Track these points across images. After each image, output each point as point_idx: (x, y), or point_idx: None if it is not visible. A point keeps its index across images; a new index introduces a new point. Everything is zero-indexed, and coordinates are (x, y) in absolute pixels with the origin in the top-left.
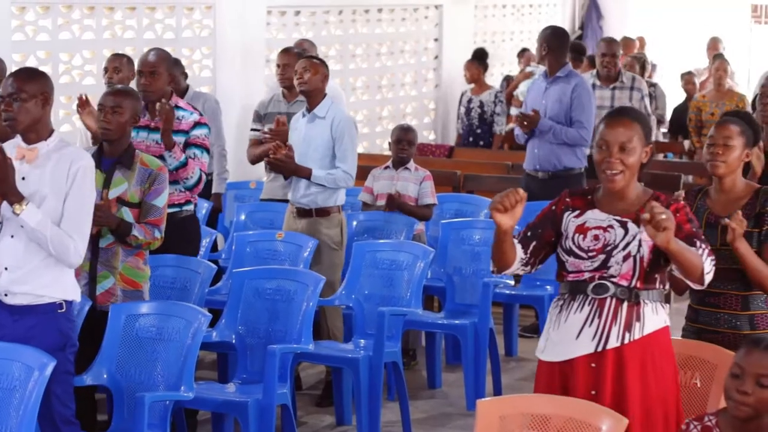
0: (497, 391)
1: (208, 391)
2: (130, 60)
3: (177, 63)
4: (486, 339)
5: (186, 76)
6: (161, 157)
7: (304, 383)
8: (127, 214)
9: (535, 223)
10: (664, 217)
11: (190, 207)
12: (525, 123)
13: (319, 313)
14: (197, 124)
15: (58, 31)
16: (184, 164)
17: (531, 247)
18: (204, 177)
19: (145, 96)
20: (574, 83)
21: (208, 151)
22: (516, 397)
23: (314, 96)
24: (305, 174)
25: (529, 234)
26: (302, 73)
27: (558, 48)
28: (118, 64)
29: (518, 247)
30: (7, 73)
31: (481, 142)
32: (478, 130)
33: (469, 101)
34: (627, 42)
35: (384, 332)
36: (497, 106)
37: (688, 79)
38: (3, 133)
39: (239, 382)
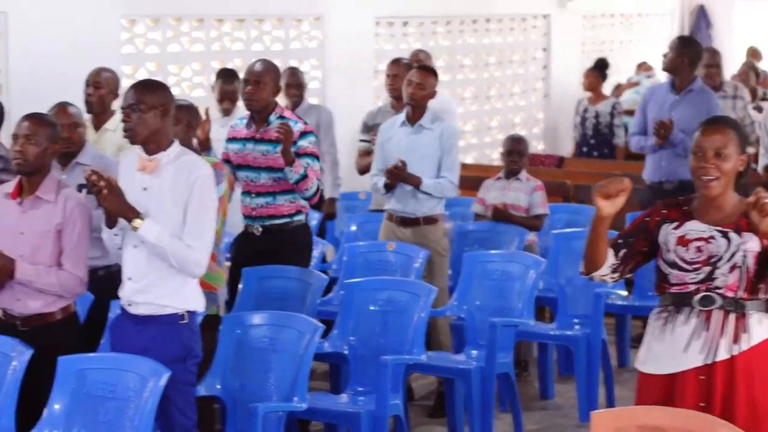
0: (610, 403)
1: (321, 402)
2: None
3: (294, 73)
4: (598, 350)
5: (305, 87)
6: (269, 169)
7: (416, 394)
8: None
9: (627, 232)
10: None
11: (301, 217)
12: (661, 132)
13: (428, 322)
14: (304, 133)
15: (167, 44)
16: (305, 176)
17: (621, 254)
18: (320, 185)
19: (249, 105)
20: (708, 97)
21: (317, 158)
22: (631, 408)
23: (423, 107)
24: (415, 183)
25: (620, 241)
26: (415, 84)
27: (695, 61)
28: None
29: (609, 252)
30: (119, 84)
31: (595, 153)
32: (592, 141)
33: (585, 111)
34: (753, 51)
35: (496, 343)
36: (615, 117)
37: None
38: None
39: (352, 392)
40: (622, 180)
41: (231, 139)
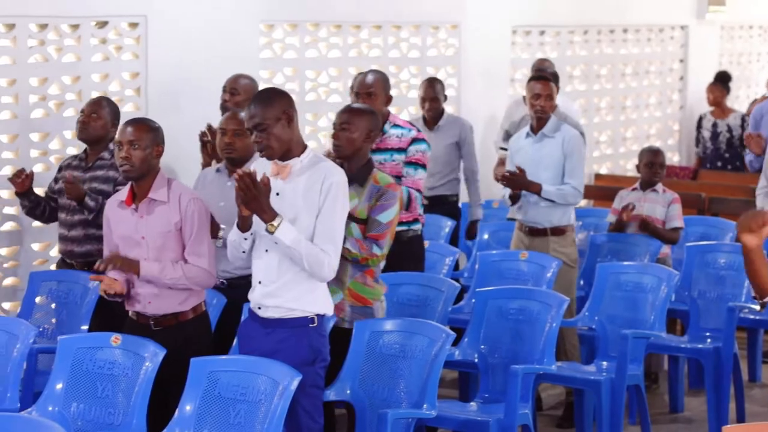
0: (740, 418)
1: (450, 410)
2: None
3: (431, 85)
4: (730, 364)
5: (445, 97)
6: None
7: (544, 404)
8: (355, 230)
9: None
10: None
11: (418, 226)
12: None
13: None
14: (415, 140)
15: (305, 49)
16: None
17: None
18: (415, 194)
19: None
20: None
21: (424, 167)
22: (763, 425)
23: (547, 117)
24: (536, 189)
25: None
26: (545, 96)
27: None
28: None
29: None
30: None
31: (729, 167)
32: (726, 155)
33: (714, 125)
34: None
35: (627, 355)
36: (745, 131)
37: None
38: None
39: (481, 401)
40: (763, 214)
41: None
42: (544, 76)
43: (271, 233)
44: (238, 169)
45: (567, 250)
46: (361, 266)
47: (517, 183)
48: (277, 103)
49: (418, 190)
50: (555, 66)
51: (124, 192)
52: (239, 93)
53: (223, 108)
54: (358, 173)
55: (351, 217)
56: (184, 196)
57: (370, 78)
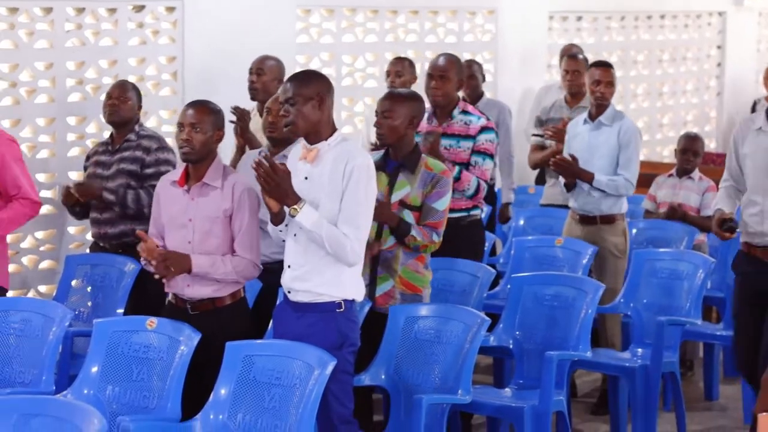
0: None
1: (484, 395)
2: (411, 63)
3: (469, 65)
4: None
5: (483, 78)
6: (452, 164)
7: (579, 390)
8: (409, 217)
9: None
10: None
11: (477, 212)
12: None
13: (598, 320)
14: (483, 129)
15: (341, 34)
16: (458, 178)
17: None
18: (483, 185)
19: (433, 100)
20: None
21: (492, 157)
22: None
23: (607, 104)
24: (587, 178)
25: None
26: (605, 82)
27: None
28: (399, 67)
29: None
30: (283, 72)
31: None
32: None
33: None
34: None
35: (662, 342)
36: None
37: None
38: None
39: (515, 387)
40: None
41: None
42: (604, 62)
43: (293, 217)
44: (255, 158)
45: (616, 239)
46: (413, 253)
47: (569, 171)
48: (312, 84)
49: (485, 180)
50: (584, 51)
51: (177, 171)
52: (265, 73)
53: (252, 90)
54: (406, 160)
55: (404, 204)
56: (238, 185)
57: (442, 60)
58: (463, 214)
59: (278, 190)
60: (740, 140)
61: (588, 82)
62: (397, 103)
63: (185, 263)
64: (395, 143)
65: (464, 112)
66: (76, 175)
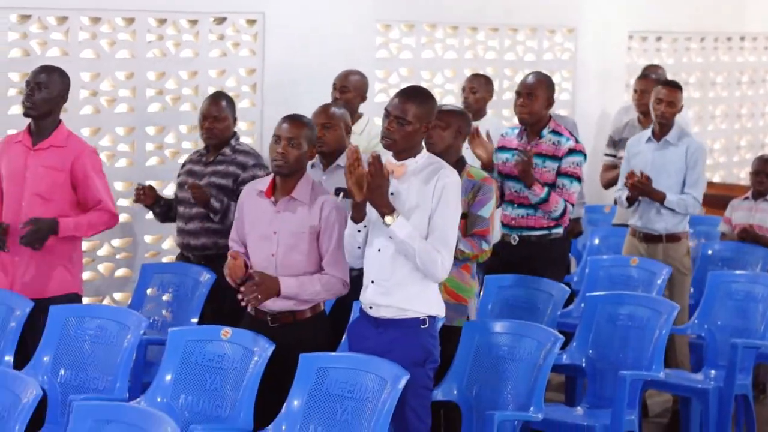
0: None
1: (556, 413)
2: (488, 80)
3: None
4: None
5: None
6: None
7: (650, 411)
8: None
9: None
10: None
11: (559, 230)
12: None
13: (667, 339)
14: (571, 151)
15: (421, 50)
16: (546, 200)
17: None
18: (570, 207)
19: (520, 118)
20: None
21: (579, 180)
22: None
23: (671, 123)
24: (659, 198)
25: None
26: (666, 102)
27: None
28: (475, 84)
29: None
30: (367, 87)
31: None
32: None
33: None
34: None
35: (736, 364)
36: None
37: None
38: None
39: (587, 406)
40: None
41: (501, 148)
42: (672, 82)
43: (388, 225)
44: (352, 146)
45: (680, 257)
46: (458, 262)
47: (643, 190)
48: (423, 108)
49: (572, 203)
50: (667, 73)
51: (264, 181)
52: (349, 90)
53: None
54: None
55: None
56: (327, 204)
57: (531, 78)
58: (545, 232)
59: (378, 192)
60: None
61: (652, 99)
62: (445, 114)
63: (274, 288)
64: (442, 153)
65: (554, 132)
66: (154, 185)
